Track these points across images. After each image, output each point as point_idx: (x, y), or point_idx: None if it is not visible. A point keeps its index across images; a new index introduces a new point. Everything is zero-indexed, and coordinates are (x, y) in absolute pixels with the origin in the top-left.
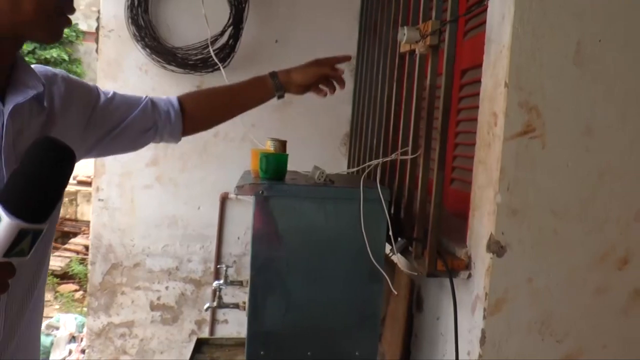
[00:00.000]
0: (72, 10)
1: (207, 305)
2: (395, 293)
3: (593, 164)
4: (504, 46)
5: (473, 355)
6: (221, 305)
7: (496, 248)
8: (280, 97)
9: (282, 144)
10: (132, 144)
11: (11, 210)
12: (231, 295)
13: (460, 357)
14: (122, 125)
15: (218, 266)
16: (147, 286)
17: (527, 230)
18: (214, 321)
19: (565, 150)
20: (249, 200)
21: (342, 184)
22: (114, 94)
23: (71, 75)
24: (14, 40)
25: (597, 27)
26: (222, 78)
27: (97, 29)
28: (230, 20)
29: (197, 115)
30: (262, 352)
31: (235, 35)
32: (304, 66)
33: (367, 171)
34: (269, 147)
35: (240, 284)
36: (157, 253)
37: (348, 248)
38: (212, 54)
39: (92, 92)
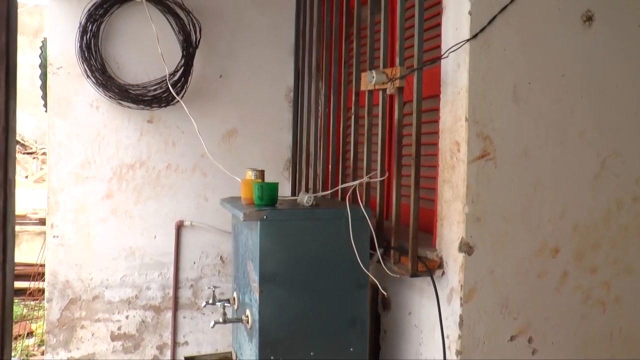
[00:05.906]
0: None
1: (212, 322)
2: (386, 295)
3: (529, 179)
4: (462, 88)
5: (453, 337)
6: (226, 321)
7: (466, 248)
8: None
9: (262, 173)
10: None
11: None
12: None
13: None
14: None
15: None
16: (107, 317)
17: (487, 233)
18: (175, 344)
19: (511, 169)
20: (203, 227)
21: (328, 206)
22: None
23: None
24: None
25: (526, 73)
26: (172, 111)
27: (42, 65)
28: (183, 61)
29: None
30: (272, 358)
31: (186, 72)
32: None
33: (348, 193)
34: (250, 176)
35: (227, 301)
36: (116, 284)
37: (338, 260)
38: (171, 90)
39: None
